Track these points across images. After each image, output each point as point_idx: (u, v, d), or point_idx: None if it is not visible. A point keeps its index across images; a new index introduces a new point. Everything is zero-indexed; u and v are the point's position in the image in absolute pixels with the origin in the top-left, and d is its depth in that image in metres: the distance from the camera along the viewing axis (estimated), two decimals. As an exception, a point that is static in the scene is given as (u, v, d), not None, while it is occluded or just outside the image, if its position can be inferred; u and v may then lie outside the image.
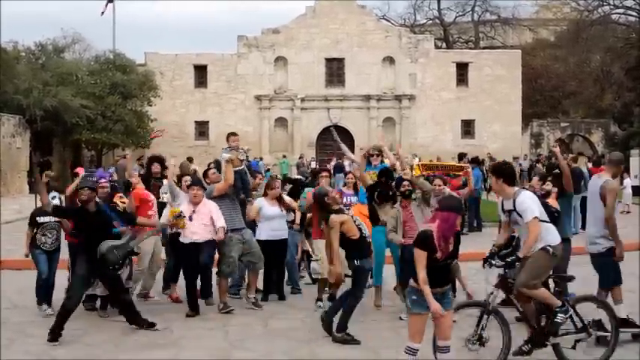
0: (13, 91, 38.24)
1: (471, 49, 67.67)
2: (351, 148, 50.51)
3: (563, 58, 61.99)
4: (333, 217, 10.63)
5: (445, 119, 55.03)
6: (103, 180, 12.75)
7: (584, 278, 14.52)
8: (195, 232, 11.96)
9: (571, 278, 9.36)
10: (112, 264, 10.88)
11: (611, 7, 59.63)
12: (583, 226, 23.31)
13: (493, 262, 8.96)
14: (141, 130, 46.81)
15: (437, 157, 44.90)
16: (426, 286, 7.74)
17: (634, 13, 59.00)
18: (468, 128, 55.60)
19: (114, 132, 43.71)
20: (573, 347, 9.12)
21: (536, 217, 8.75)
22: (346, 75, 55.20)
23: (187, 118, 54.60)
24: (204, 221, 12.01)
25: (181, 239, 12.19)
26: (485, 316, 8.78)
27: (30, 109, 38.21)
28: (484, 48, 66.70)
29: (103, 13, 54.19)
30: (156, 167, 14.42)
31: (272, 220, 13.11)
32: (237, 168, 12.71)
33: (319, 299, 12.69)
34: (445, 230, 7.80)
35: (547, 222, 9.06)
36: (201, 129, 54.98)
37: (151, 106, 48.17)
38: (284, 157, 49.81)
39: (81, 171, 13.76)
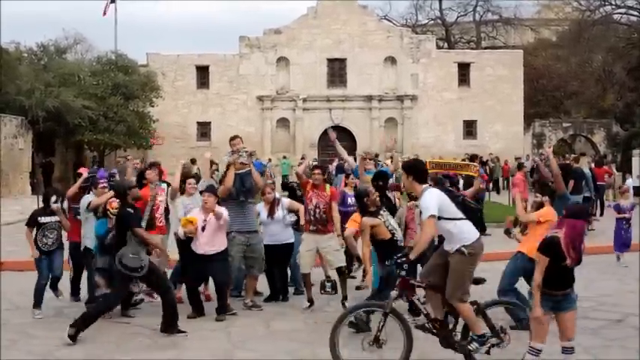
0: (15, 92, 38.27)
1: (472, 49, 67.62)
2: (353, 148, 50.67)
3: (565, 58, 61.88)
4: (365, 219, 10.65)
5: (447, 119, 54.99)
6: (102, 180, 12.79)
7: (585, 279, 14.56)
8: (207, 242, 11.89)
9: (481, 280, 9.16)
10: (132, 270, 10.90)
11: (613, 6, 59.56)
12: (585, 227, 23.29)
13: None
14: (143, 130, 46.81)
15: (439, 157, 44.90)
16: (538, 292, 7.87)
17: (636, 13, 58.93)
18: (470, 128, 55.52)
19: (116, 133, 43.70)
20: (487, 352, 8.88)
21: (431, 216, 8.56)
22: (348, 75, 55.11)
23: (189, 119, 54.54)
24: (215, 230, 11.95)
25: (193, 247, 12.05)
26: (383, 318, 8.74)
27: (32, 110, 38.23)
28: (486, 48, 66.65)
29: (105, 13, 54.11)
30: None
31: (269, 225, 13.15)
32: (240, 171, 12.67)
33: (309, 300, 12.76)
34: (573, 237, 7.81)
35: (461, 219, 8.85)
36: (204, 130, 54.90)
37: (153, 106, 48.17)
38: (284, 157, 49.80)
39: (84, 171, 13.75)
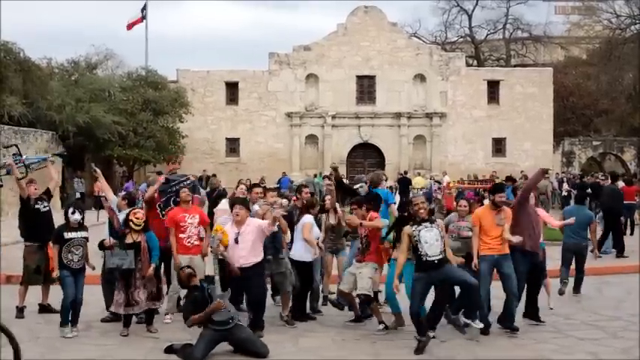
0: (46, 107, 38.59)
1: (502, 66, 67.42)
2: (381, 165, 50.73)
3: (595, 76, 61.45)
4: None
5: (476, 137, 54.78)
6: (125, 192, 12.85)
7: (614, 298, 14.44)
8: (242, 255, 11.72)
9: None
10: None
11: (644, 24, 59.23)
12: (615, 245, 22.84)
13: None
14: (172, 146, 47.01)
15: (467, 175, 44.77)
16: None
17: (667, 31, 58.61)
18: (499, 146, 55.29)
19: (145, 148, 43.92)
20: None
21: None
22: (377, 92, 55.10)
23: (218, 135, 54.65)
24: (250, 243, 11.76)
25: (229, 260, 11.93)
26: None
27: (63, 124, 38.52)
28: (515, 66, 66.48)
29: (129, 28, 54.38)
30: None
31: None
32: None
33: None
34: None
35: None
36: (232, 145, 54.95)
37: (182, 122, 48.36)
38: (315, 176, 49.32)
39: (161, 178, 13.88)
